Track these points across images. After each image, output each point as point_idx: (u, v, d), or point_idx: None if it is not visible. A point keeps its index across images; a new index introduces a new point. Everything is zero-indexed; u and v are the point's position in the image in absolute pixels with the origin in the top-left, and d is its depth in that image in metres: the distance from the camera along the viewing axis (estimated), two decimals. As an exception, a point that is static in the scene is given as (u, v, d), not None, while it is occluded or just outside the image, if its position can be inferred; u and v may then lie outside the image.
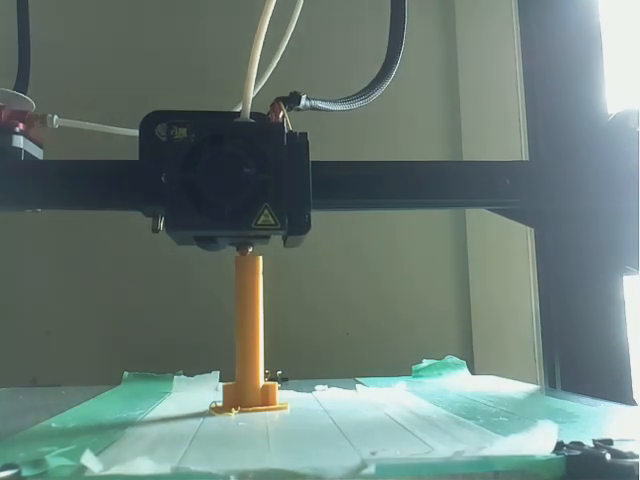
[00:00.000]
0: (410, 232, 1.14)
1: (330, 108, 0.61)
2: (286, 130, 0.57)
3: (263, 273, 0.60)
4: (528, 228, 1.09)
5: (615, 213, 0.65)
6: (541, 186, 0.65)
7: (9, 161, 0.63)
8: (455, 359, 0.91)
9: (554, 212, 0.70)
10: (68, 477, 0.33)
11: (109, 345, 1.08)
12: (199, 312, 1.07)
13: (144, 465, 0.32)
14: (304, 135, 0.57)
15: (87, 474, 0.32)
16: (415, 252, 1.14)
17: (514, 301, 1.10)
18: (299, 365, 0.85)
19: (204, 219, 0.53)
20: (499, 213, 0.70)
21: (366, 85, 0.63)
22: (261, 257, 0.61)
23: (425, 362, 0.89)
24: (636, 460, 0.32)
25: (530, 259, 1.09)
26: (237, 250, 0.61)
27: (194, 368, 0.79)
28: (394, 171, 0.65)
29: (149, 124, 0.57)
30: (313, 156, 0.57)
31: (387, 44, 0.64)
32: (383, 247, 1.14)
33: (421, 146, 1.15)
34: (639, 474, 0.31)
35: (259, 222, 0.53)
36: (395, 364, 0.88)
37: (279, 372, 0.79)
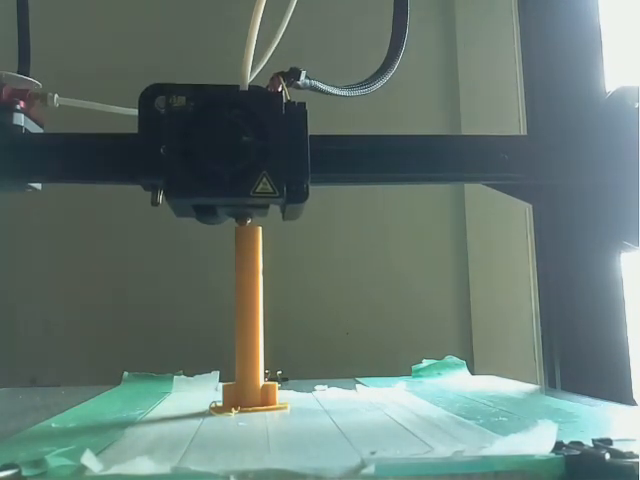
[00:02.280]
0: (410, 232, 1.14)
1: (330, 91, 0.62)
2: (284, 100, 0.57)
3: (262, 273, 0.60)
4: (529, 228, 1.09)
5: (613, 188, 0.66)
6: (539, 161, 0.65)
7: (9, 135, 0.63)
8: (455, 359, 0.91)
9: (552, 188, 0.70)
10: (68, 477, 0.33)
11: (109, 345, 1.08)
12: (199, 312, 1.07)
13: (144, 465, 0.32)
14: (302, 105, 0.58)
15: (87, 474, 0.32)
16: (415, 252, 1.14)
17: (514, 301, 1.10)
18: (299, 365, 0.85)
19: (203, 187, 0.53)
20: (497, 188, 0.70)
21: (368, 76, 0.64)
22: (260, 228, 0.61)
23: (425, 362, 0.89)
24: (636, 460, 0.32)
25: (530, 259, 1.09)
26: (236, 222, 0.61)
27: (194, 368, 0.79)
28: (392, 144, 0.65)
29: (148, 97, 0.57)
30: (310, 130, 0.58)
31: (390, 38, 0.65)
32: (383, 247, 1.14)
33: (420, 120, 1.15)
34: (639, 474, 0.31)
35: (257, 190, 0.54)
36: (395, 364, 0.88)
37: (279, 372, 0.79)
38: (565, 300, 0.75)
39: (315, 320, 1.10)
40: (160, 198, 0.58)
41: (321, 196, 1.03)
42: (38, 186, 0.69)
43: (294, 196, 0.56)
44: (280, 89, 0.58)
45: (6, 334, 1.06)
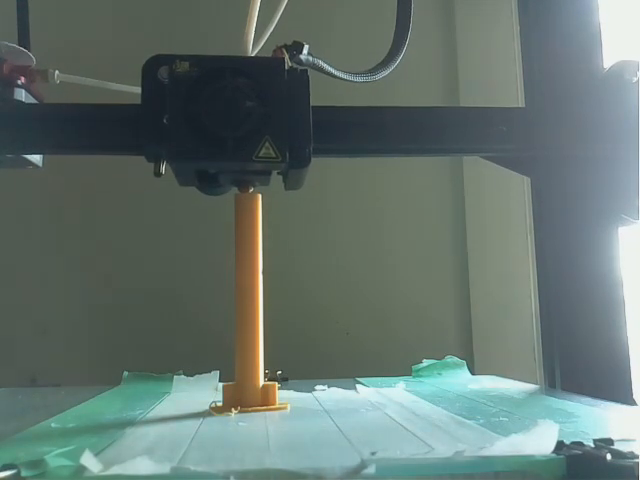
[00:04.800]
0: (410, 231, 1.14)
1: (332, 72, 0.63)
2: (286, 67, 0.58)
3: (263, 272, 0.60)
4: (529, 228, 1.09)
5: (611, 161, 0.66)
6: (538, 133, 0.65)
7: (11, 105, 0.63)
8: (455, 359, 0.91)
9: (550, 160, 0.70)
10: (67, 477, 0.33)
11: (109, 345, 1.08)
12: (199, 312, 1.07)
13: (144, 465, 0.32)
14: (304, 71, 0.58)
15: (86, 474, 0.32)
16: (415, 252, 1.14)
17: (514, 301, 1.10)
18: (299, 365, 0.85)
19: (206, 151, 0.54)
20: (495, 161, 0.70)
21: (372, 67, 0.65)
22: (260, 195, 0.61)
23: (425, 362, 0.89)
24: (636, 460, 0.32)
25: (530, 259, 1.09)
26: (238, 189, 0.61)
27: (194, 368, 0.79)
28: (391, 116, 0.65)
29: (151, 67, 0.57)
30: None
31: (394, 32, 0.65)
32: (383, 247, 1.14)
33: (418, 92, 1.14)
34: (639, 474, 0.31)
35: (260, 155, 0.54)
36: (395, 364, 0.88)
37: (279, 372, 0.79)
38: (563, 278, 0.74)
39: (315, 320, 1.10)
40: (163, 168, 0.58)
41: (318, 191, 1.04)
42: (39, 163, 0.68)
43: (296, 161, 0.56)
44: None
45: (6, 334, 1.06)
